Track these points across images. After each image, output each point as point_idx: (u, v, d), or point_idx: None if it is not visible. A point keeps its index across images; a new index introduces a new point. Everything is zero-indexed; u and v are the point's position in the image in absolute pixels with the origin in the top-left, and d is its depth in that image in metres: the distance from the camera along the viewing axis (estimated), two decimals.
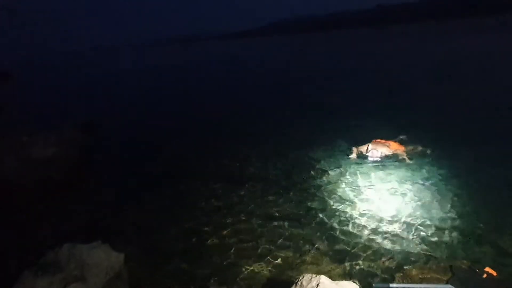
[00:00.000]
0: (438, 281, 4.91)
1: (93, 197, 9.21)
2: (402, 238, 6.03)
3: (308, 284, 3.56)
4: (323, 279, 3.59)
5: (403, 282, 5.00)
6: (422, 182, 7.99)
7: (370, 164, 9.21)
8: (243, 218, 7.28)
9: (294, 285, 3.76)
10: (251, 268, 5.70)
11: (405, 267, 5.30)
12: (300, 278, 3.76)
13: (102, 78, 49.41)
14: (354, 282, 4.09)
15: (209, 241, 6.59)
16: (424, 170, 8.59)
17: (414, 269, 5.24)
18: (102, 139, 14.81)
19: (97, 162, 12.45)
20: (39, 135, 10.83)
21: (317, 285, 3.50)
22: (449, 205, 6.88)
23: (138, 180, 10.00)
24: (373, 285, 4.94)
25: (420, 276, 5.08)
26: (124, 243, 6.33)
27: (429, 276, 5.07)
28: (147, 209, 8.17)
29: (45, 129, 11.91)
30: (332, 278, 3.96)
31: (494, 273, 4.72)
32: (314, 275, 3.67)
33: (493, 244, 5.62)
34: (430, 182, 8.00)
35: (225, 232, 6.85)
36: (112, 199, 8.92)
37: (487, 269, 4.81)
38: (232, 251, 6.22)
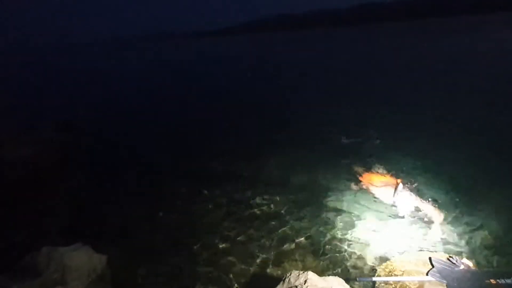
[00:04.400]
0: (418, 273, 5.08)
1: (72, 198, 8.89)
2: None
3: (296, 281, 3.60)
4: (311, 275, 3.64)
5: (385, 275, 5.14)
6: None
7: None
8: (226, 219, 7.26)
9: (282, 282, 3.79)
10: (238, 266, 5.70)
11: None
12: (288, 274, 3.79)
13: (80, 76, 47.79)
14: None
15: (193, 241, 6.54)
16: None
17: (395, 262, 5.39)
18: (81, 139, 14.31)
19: (75, 162, 12.01)
20: (12, 135, 10.37)
21: (305, 281, 3.54)
22: None
23: (119, 181, 9.76)
24: (357, 278, 5.06)
25: (402, 269, 5.24)
26: (106, 245, 6.17)
27: (409, 268, 5.24)
28: (128, 210, 7.99)
29: (19, 129, 11.39)
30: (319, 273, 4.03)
31: (471, 264, 4.93)
32: (301, 272, 3.72)
33: None
34: None
35: (208, 232, 6.81)
36: (92, 200, 8.67)
37: (464, 260, 5.01)
38: (217, 250, 6.20)
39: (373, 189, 7.48)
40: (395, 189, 7.04)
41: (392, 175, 8.04)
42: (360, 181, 7.90)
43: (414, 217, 6.35)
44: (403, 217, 6.38)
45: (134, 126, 16.42)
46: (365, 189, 7.64)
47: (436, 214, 6.38)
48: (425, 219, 6.28)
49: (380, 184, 7.62)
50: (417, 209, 6.53)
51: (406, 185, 7.23)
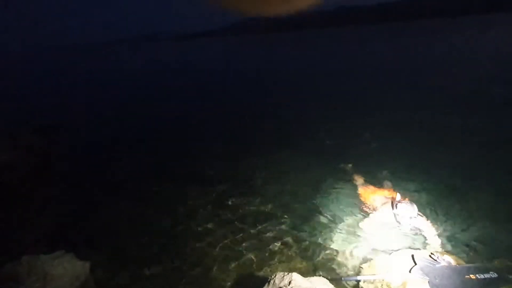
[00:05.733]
0: (402, 271, 5.17)
1: (53, 205, 8.68)
2: None
3: (280, 282, 3.62)
4: (295, 276, 3.68)
5: (370, 275, 5.22)
6: None
7: None
8: (213, 221, 7.22)
9: (267, 283, 3.81)
10: (224, 268, 5.69)
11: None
12: (273, 276, 3.81)
13: (64, 79, 46.85)
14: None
15: (179, 245, 6.49)
16: None
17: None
18: (62, 144, 14.02)
19: (56, 168, 11.74)
20: None
21: (289, 282, 3.57)
22: None
23: (102, 186, 9.59)
24: (342, 278, 5.13)
25: (386, 268, 5.33)
26: (90, 251, 6.08)
27: (393, 266, 5.33)
28: (112, 215, 7.87)
29: None
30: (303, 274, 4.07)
31: (452, 261, 5.05)
32: (286, 273, 3.75)
33: None
34: None
35: (195, 235, 6.78)
36: (75, 206, 8.48)
37: (445, 257, 5.13)
38: (203, 252, 6.17)
39: (366, 199, 7.12)
40: (393, 200, 6.29)
41: (387, 188, 7.43)
42: (357, 194, 7.50)
43: (413, 227, 5.92)
44: (401, 227, 5.91)
45: (119, 129, 16.22)
46: (360, 200, 7.27)
47: (430, 223, 6.11)
48: (421, 227, 5.96)
49: (375, 198, 7.02)
50: (416, 219, 5.97)
51: (406, 198, 6.46)
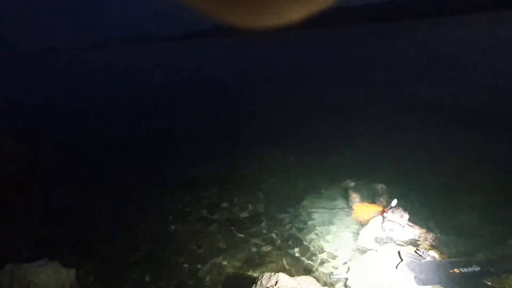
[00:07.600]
0: (389, 267, 5.23)
1: (37, 211, 8.48)
2: None
3: (267, 283, 3.63)
4: (282, 276, 3.69)
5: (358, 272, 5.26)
6: None
7: None
8: (198, 224, 7.18)
9: (255, 284, 3.81)
10: (215, 271, 5.66)
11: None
12: (260, 277, 3.82)
13: (41, 82, 45.91)
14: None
15: (167, 248, 6.43)
16: None
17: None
18: (43, 149, 13.68)
19: (37, 174, 11.43)
20: None
21: (276, 282, 3.58)
22: None
23: (88, 190, 9.44)
24: (330, 277, 5.16)
25: (374, 264, 5.37)
26: (75, 258, 5.96)
27: (381, 263, 5.38)
28: (98, 220, 7.74)
29: None
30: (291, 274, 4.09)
31: (437, 256, 5.15)
32: (273, 273, 3.76)
33: None
34: None
35: (184, 237, 6.73)
36: (57, 212, 8.29)
37: (430, 252, 5.23)
38: (192, 255, 6.14)
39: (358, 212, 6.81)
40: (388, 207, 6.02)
41: (380, 204, 6.95)
42: (348, 197, 7.36)
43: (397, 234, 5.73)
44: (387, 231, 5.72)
45: (107, 131, 15.97)
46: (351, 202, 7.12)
47: (418, 228, 6.00)
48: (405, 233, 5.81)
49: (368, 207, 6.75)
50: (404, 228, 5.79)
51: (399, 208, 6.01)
